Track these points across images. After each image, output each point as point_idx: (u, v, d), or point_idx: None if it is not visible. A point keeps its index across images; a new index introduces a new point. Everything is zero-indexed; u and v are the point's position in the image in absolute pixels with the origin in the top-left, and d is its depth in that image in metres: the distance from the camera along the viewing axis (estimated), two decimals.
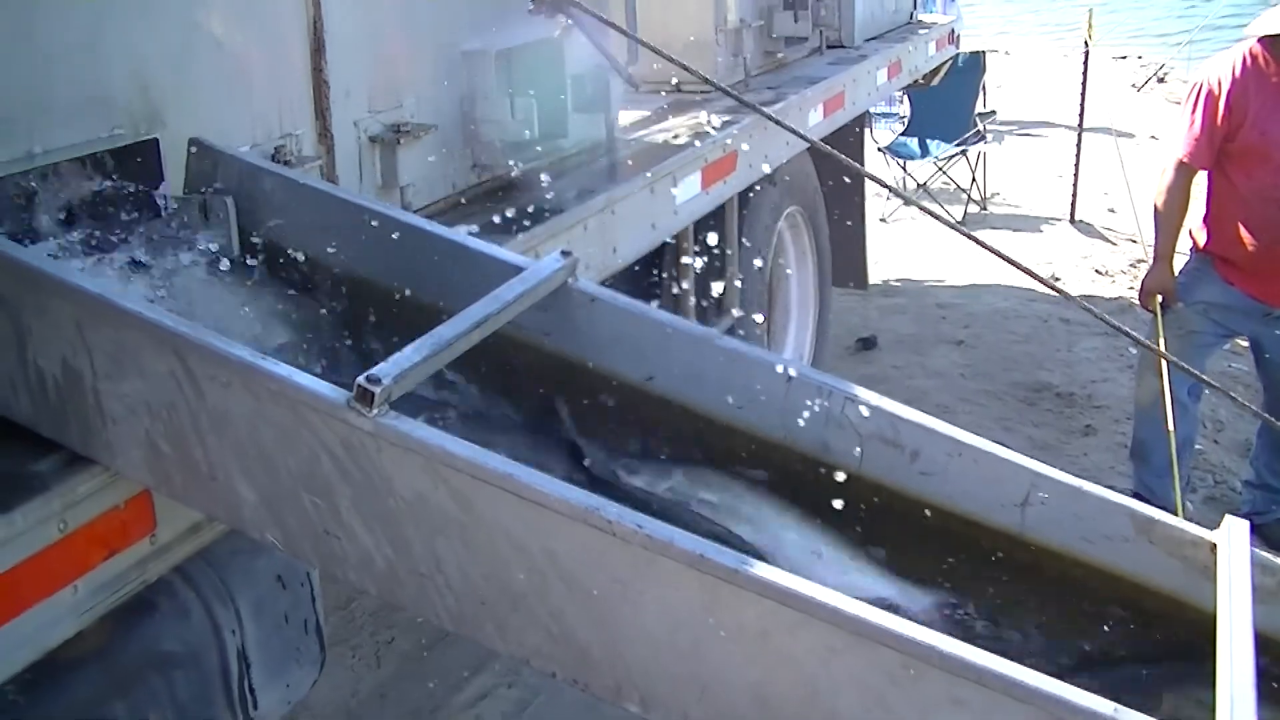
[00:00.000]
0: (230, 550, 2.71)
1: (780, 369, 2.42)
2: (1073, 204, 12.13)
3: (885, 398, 2.39)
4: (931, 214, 3.15)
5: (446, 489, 1.94)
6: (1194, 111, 5.75)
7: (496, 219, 3.55)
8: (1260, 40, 5.61)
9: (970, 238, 2.95)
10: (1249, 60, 5.64)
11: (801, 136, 2.98)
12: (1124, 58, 23.02)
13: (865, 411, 2.37)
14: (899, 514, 2.39)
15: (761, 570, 1.80)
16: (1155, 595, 2.29)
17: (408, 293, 2.53)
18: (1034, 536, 2.33)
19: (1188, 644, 2.19)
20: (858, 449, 2.39)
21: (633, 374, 2.49)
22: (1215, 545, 2.22)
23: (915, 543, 2.39)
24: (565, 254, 2.48)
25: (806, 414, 2.40)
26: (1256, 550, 2.21)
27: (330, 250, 2.55)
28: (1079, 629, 2.32)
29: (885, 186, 3.33)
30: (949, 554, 2.38)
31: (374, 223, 2.56)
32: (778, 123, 2.93)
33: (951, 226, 2.99)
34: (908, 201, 3.29)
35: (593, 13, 2.53)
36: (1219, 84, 5.66)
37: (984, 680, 1.71)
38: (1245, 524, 2.25)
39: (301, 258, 2.61)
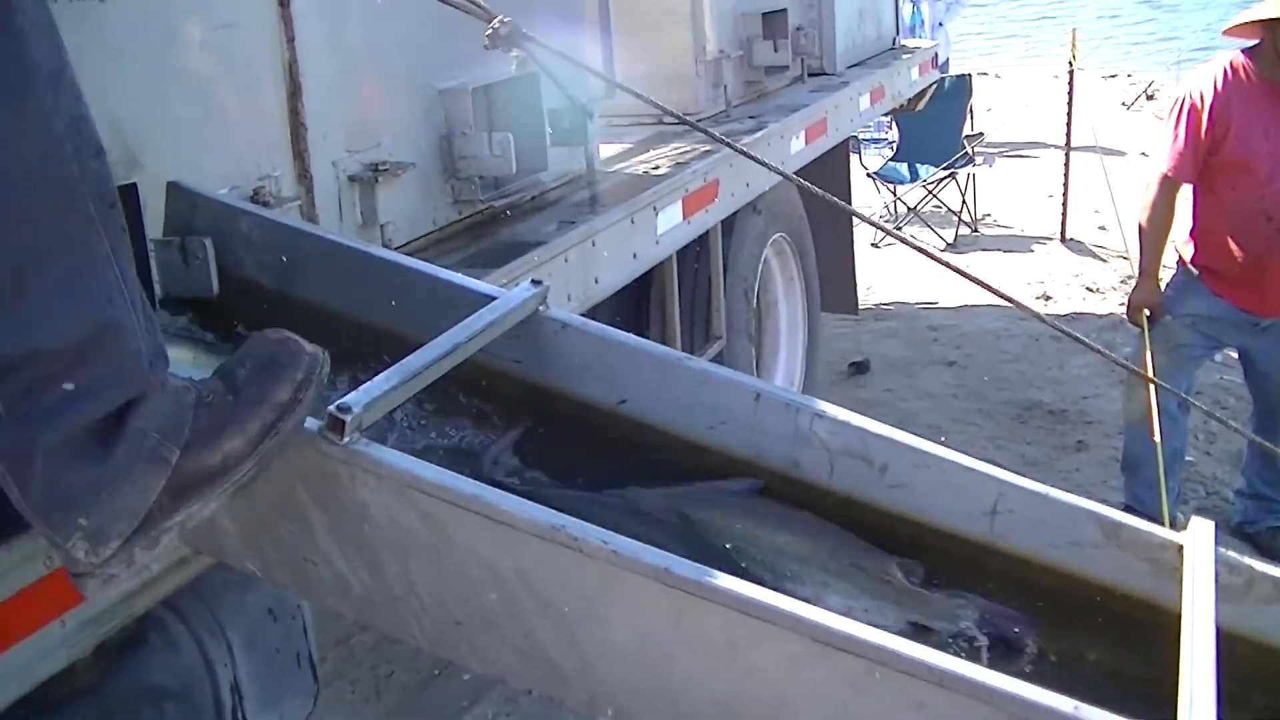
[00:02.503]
0: (221, 584, 2.74)
1: (748, 388, 2.47)
2: (1063, 223, 12.17)
3: (851, 412, 2.43)
4: (905, 240, 3.17)
5: (417, 513, 1.98)
6: (1177, 125, 5.78)
7: (478, 253, 3.60)
8: (1244, 52, 5.65)
9: (940, 260, 2.98)
10: (1229, 73, 5.67)
11: (771, 168, 3.00)
12: (1114, 76, 23.10)
13: (833, 427, 2.41)
14: (872, 526, 2.42)
15: (725, 581, 1.83)
16: (1125, 598, 2.31)
17: (382, 325, 2.56)
18: (1003, 544, 2.35)
19: (1157, 645, 2.22)
20: (828, 464, 2.43)
21: (605, 398, 2.53)
22: (1182, 547, 2.25)
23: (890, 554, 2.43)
24: (536, 283, 2.52)
25: (776, 431, 2.44)
26: (1222, 549, 2.24)
27: (303, 286, 2.59)
28: (1054, 636, 2.36)
29: (861, 217, 3.37)
30: (922, 564, 2.41)
31: (348, 258, 2.60)
32: (741, 152, 2.96)
33: (922, 251, 3.02)
34: (881, 229, 3.32)
35: (546, 46, 2.56)
36: (1201, 98, 5.70)
37: (944, 682, 1.74)
38: (1211, 525, 2.28)
39: (280, 295, 2.65)
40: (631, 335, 2.55)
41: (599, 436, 2.54)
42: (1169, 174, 5.85)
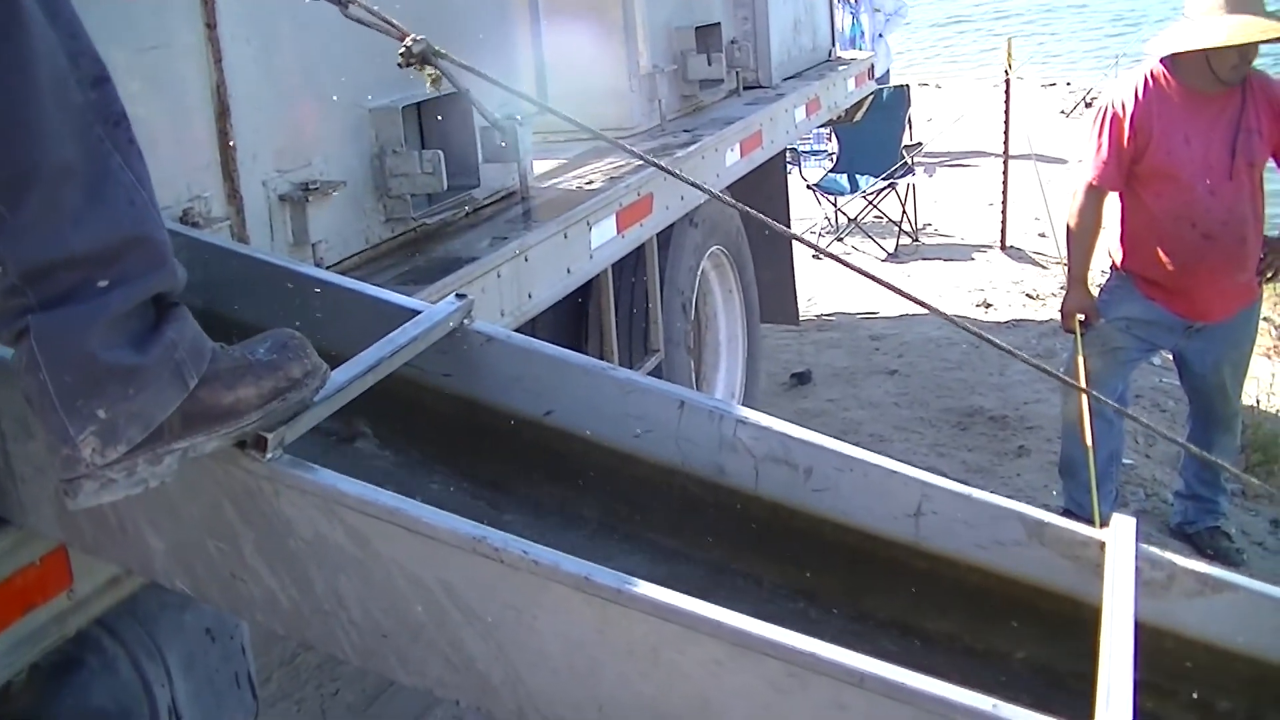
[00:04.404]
0: (158, 605, 2.74)
1: (672, 396, 2.49)
2: (1003, 231, 12.25)
3: (774, 418, 2.45)
4: (835, 258, 3.18)
5: (342, 527, 1.99)
6: (1100, 134, 5.85)
7: (411, 270, 3.61)
8: (1161, 61, 5.72)
9: (869, 275, 3.00)
10: (1150, 81, 5.74)
11: (698, 187, 3.01)
12: (1053, 85, 23.21)
13: (756, 433, 2.43)
14: (798, 531, 2.44)
15: (645, 589, 1.85)
16: (1049, 595, 2.33)
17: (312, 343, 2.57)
18: (929, 546, 2.38)
19: (1082, 641, 2.24)
20: (753, 470, 2.45)
21: (532, 409, 2.55)
22: (1104, 543, 2.27)
23: (816, 559, 2.45)
24: (460, 296, 2.54)
25: (700, 438, 2.46)
26: (1143, 545, 2.26)
27: (232, 305, 2.60)
28: (980, 634, 2.38)
29: (786, 233, 3.38)
30: (848, 567, 2.44)
31: (275, 277, 2.60)
32: (668, 171, 2.98)
33: (849, 266, 3.03)
34: (811, 246, 3.35)
35: (461, 63, 2.58)
36: (1123, 106, 5.76)
37: (864, 683, 1.76)
38: (1132, 521, 2.31)
39: (210, 314, 2.64)
40: (556, 347, 2.57)
41: (528, 447, 2.56)
42: (1094, 183, 5.92)
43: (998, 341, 2.93)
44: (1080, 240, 6.05)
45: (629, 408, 2.50)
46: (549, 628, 1.95)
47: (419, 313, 2.48)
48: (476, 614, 1.98)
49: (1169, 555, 2.30)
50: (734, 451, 2.46)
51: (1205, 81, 5.65)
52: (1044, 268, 11.44)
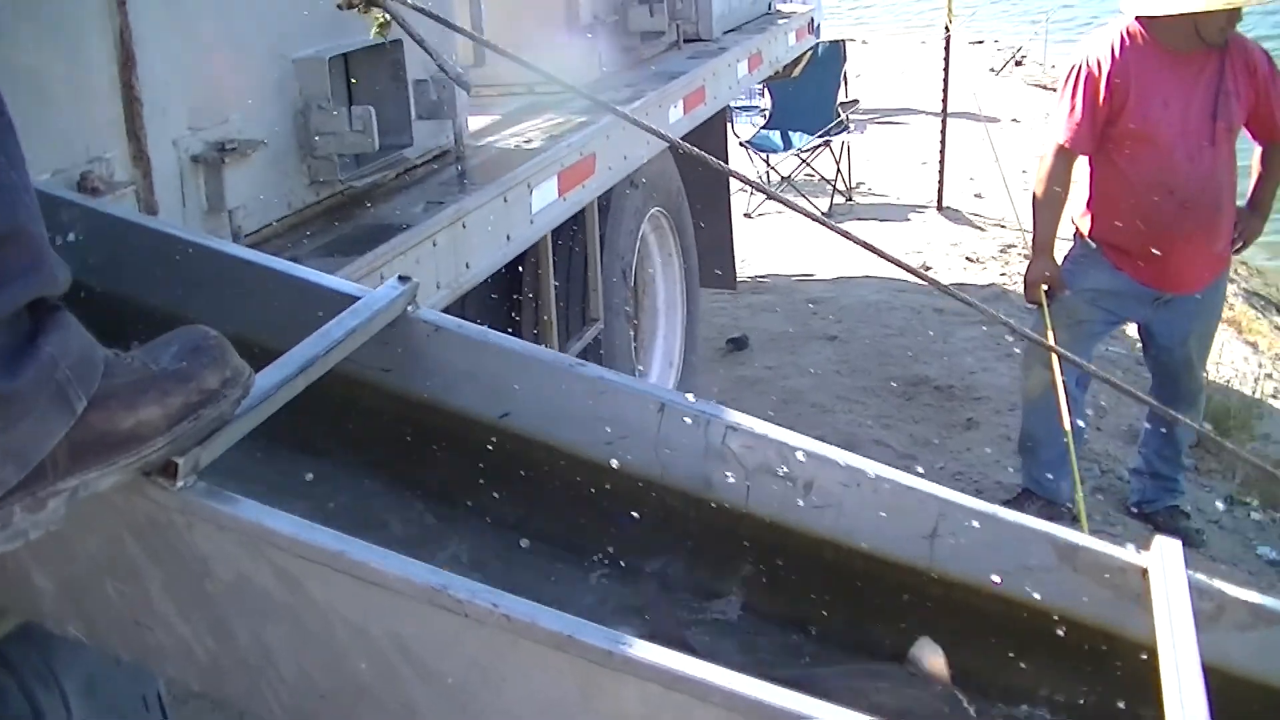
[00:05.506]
0: None
1: (650, 397, 2.19)
2: (939, 191, 12.11)
3: (771, 424, 2.17)
4: (797, 208, 2.92)
5: (270, 569, 1.67)
6: (1074, 95, 5.62)
7: (338, 239, 3.33)
8: (1138, 18, 5.48)
9: (837, 230, 2.77)
10: (1127, 39, 5.53)
11: (662, 136, 2.74)
12: (980, 42, 23.25)
13: (748, 440, 2.14)
14: (794, 553, 2.18)
15: (641, 650, 1.55)
16: (1084, 628, 2.09)
17: (231, 333, 2.25)
18: (945, 571, 2.12)
19: (1124, 680, 2.03)
20: (744, 483, 2.16)
21: (486, 410, 2.25)
22: (1147, 570, 2.02)
23: (815, 585, 2.19)
24: (403, 279, 2.22)
25: (683, 446, 2.19)
26: (1191, 573, 2.01)
27: (137, 289, 2.28)
28: (1001, 670, 2.13)
29: (750, 184, 3.12)
30: (852, 595, 2.17)
31: (187, 254, 2.29)
32: (637, 123, 2.69)
33: (818, 220, 2.79)
34: (772, 197, 3.15)
35: (414, 6, 2.26)
36: (1098, 65, 5.54)
37: None
38: (1178, 544, 2.07)
39: (112, 298, 2.33)
40: (516, 339, 2.29)
41: (479, 455, 2.26)
42: (1065, 145, 5.69)
43: (992, 311, 2.65)
44: (1047, 206, 5.82)
45: (600, 410, 2.21)
46: (522, 690, 1.65)
47: (357, 299, 2.17)
48: (434, 673, 1.67)
49: (1218, 584, 2.08)
50: (723, 461, 2.18)
51: (1187, 42, 5.46)
52: (981, 229, 11.29)
